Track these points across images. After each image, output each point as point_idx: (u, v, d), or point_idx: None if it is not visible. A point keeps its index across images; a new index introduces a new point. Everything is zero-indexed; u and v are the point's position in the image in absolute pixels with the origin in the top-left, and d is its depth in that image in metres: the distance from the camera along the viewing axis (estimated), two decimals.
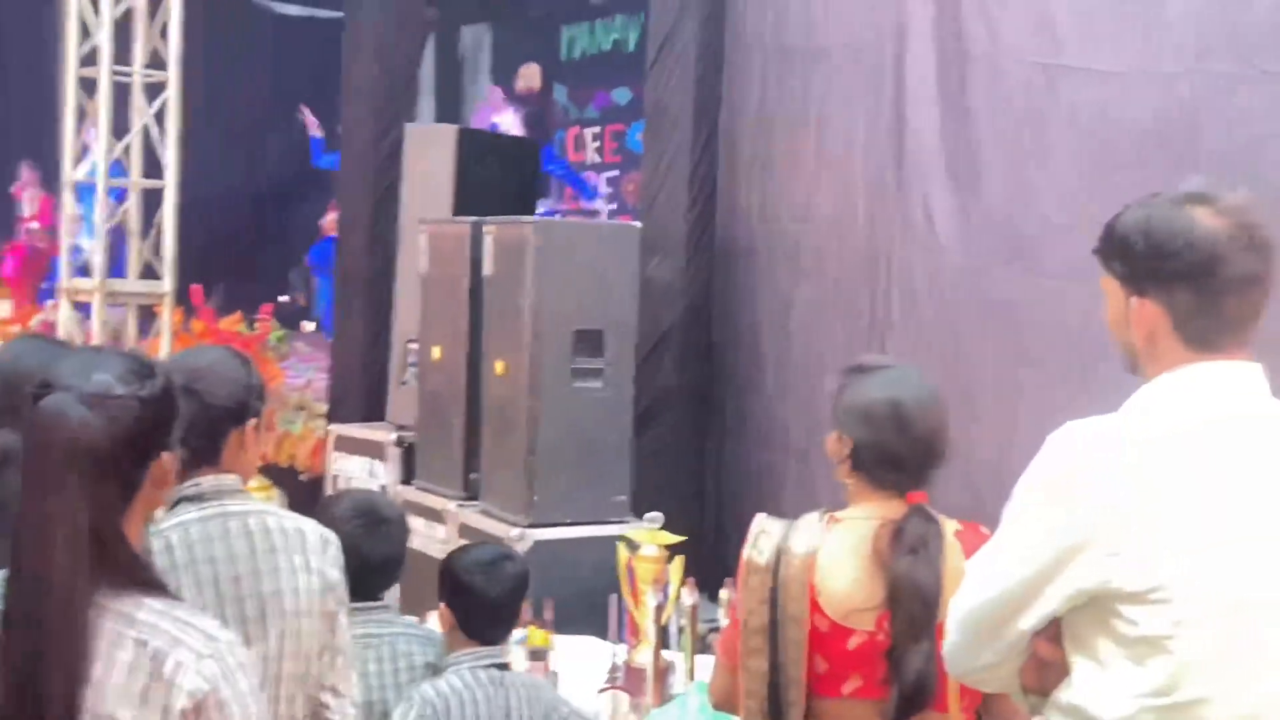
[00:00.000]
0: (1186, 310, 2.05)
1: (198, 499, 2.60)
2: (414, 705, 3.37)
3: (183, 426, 2.48)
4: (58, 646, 1.80)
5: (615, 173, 12.23)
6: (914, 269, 5.74)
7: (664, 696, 4.63)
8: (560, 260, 6.04)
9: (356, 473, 7.51)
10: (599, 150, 12.39)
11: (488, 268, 6.40)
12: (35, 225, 12.25)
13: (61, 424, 1.85)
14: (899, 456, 2.76)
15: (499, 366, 6.26)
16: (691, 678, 4.64)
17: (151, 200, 7.59)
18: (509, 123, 11.32)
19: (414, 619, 4.13)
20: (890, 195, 5.88)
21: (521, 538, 5.78)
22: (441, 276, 6.81)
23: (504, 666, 3.61)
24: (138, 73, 7.22)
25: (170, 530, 2.56)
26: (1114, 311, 2.16)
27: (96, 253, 7.14)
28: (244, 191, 13.96)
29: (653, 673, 4.69)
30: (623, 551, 4.97)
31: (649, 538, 4.86)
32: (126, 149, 7.28)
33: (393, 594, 5.90)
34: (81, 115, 7.22)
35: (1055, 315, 5.10)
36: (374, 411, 8.13)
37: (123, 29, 7.25)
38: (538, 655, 4.73)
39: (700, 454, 7.07)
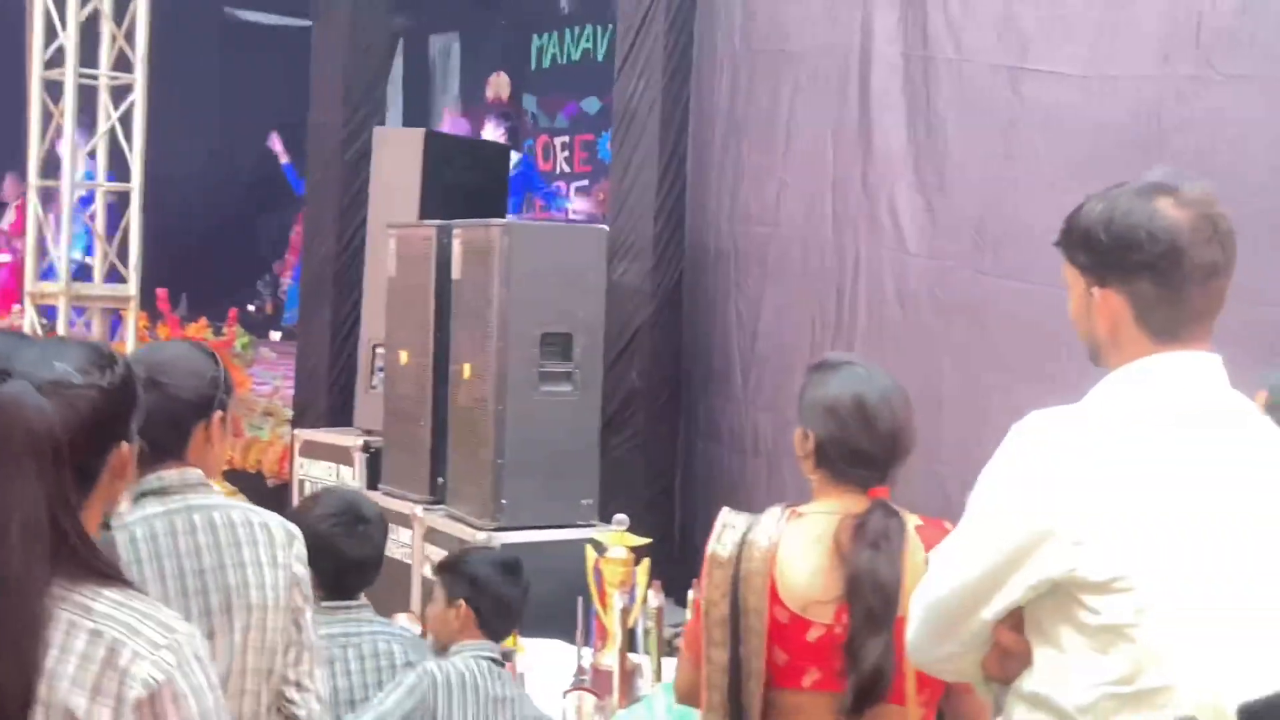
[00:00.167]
0: (1149, 301, 2.06)
1: (161, 493, 2.58)
2: (419, 675, 3.52)
3: (147, 420, 2.47)
4: (12, 636, 1.78)
5: (585, 182, 12.24)
6: (881, 270, 5.77)
7: (631, 698, 4.63)
8: (528, 262, 6.04)
9: (323, 478, 7.48)
10: (569, 160, 12.39)
11: (456, 271, 6.39)
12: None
13: (19, 412, 1.83)
14: (863, 452, 2.76)
15: (466, 370, 6.25)
16: (658, 679, 4.64)
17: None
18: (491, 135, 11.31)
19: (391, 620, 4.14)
20: (857, 197, 5.91)
21: (489, 541, 5.76)
22: (409, 280, 6.80)
23: (499, 661, 3.82)
24: (104, 75, 7.18)
25: (134, 524, 2.54)
26: (1076, 302, 2.16)
27: (61, 256, 7.09)
28: (212, 199, 13.91)
29: (619, 674, 4.69)
30: (590, 554, 4.96)
31: (616, 540, 4.86)
32: (92, 152, 7.22)
33: None
34: (47, 118, 7.17)
35: (1022, 316, 5.13)
36: (341, 417, 8.11)
37: (89, 31, 7.21)
38: (505, 658, 4.72)
39: (669, 457, 7.07)
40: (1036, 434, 2.07)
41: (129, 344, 7.09)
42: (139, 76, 7.15)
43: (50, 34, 7.12)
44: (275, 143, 12.30)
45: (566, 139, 12.41)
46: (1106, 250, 2.07)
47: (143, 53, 7.15)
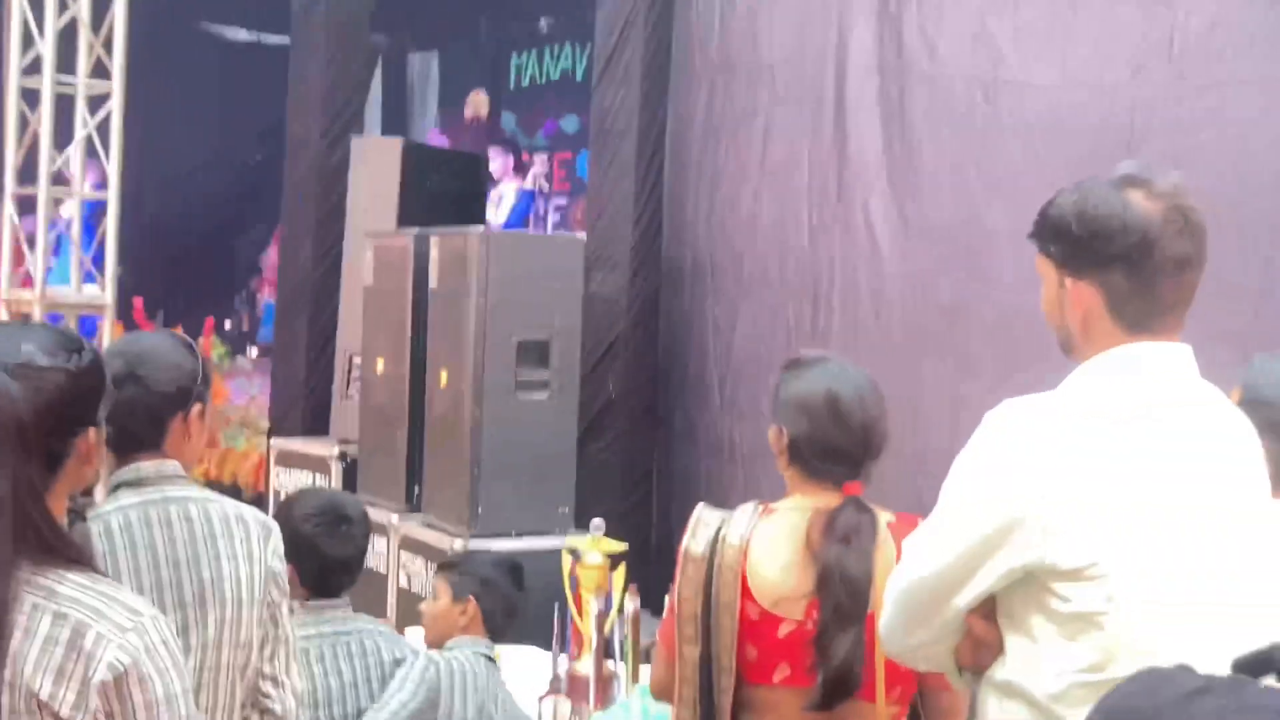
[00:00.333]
0: (1121, 292, 2.07)
1: (137, 484, 2.57)
2: (426, 663, 3.62)
3: (124, 412, 2.47)
4: None
5: (564, 200, 12.25)
6: (856, 279, 5.80)
7: (607, 704, 4.62)
8: (505, 271, 6.06)
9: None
10: (548, 177, 12.40)
11: (433, 280, 6.39)
12: None
13: None
14: (836, 448, 2.76)
15: (443, 377, 6.25)
16: (635, 683, 4.63)
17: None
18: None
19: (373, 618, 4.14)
20: (832, 206, 5.94)
21: (464, 549, 5.76)
22: (386, 289, 6.81)
23: (493, 660, 3.94)
24: (81, 83, 7.17)
25: (109, 514, 2.52)
26: (1049, 294, 2.17)
27: (37, 263, 7.07)
28: (189, 215, 13.89)
29: (595, 679, 4.68)
30: (566, 559, 4.96)
31: (592, 545, 4.86)
32: (69, 159, 7.21)
33: None
34: (24, 126, 7.15)
35: (996, 323, 5.16)
36: (318, 427, 8.09)
37: (66, 39, 7.20)
38: None
39: (646, 465, 7.08)
40: (1009, 422, 2.08)
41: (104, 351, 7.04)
42: (116, 84, 7.14)
43: (27, 41, 7.10)
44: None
45: (545, 157, 12.43)
46: (1079, 241, 2.09)
47: (120, 60, 7.14)
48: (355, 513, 3.67)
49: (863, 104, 5.83)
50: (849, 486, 2.77)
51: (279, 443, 7.92)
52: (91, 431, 1.97)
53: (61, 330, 2.06)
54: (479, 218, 7.84)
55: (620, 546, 4.91)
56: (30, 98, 7.14)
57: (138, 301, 10.03)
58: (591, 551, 4.84)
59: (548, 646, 4.98)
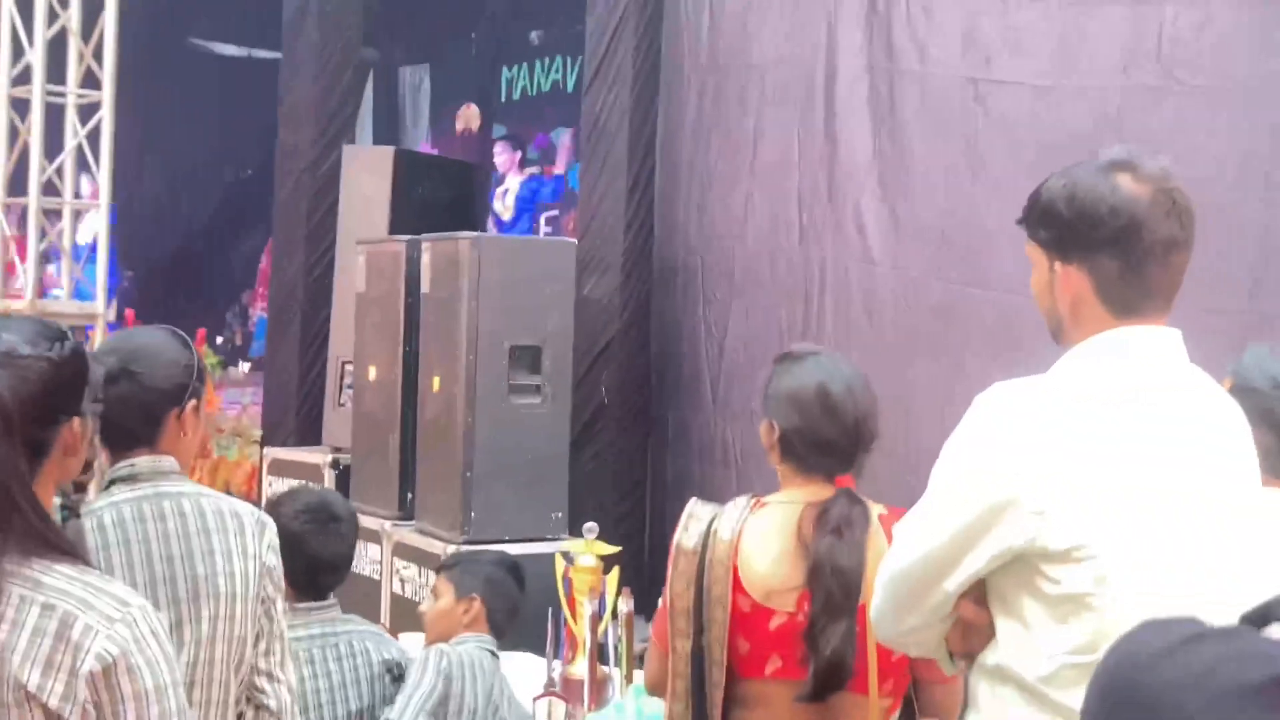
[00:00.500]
0: (1110, 276, 2.07)
1: (132, 479, 2.56)
2: (437, 654, 3.67)
3: (119, 408, 2.47)
4: None
5: (555, 212, 12.25)
6: (848, 280, 5.81)
7: (601, 705, 4.61)
8: (497, 276, 6.05)
9: None
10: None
11: (425, 285, 6.39)
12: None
13: None
14: (827, 441, 2.77)
15: (435, 383, 6.25)
16: (629, 683, 4.63)
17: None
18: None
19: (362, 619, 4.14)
20: (823, 208, 5.95)
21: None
22: (378, 295, 6.80)
23: (496, 655, 4.00)
24: (72, 92, 7.17)
25: (103, 510, 2.52)
26: (1038, 279, 2.18)
27: (29, 272, 7.06)
28: (181, 228, 13.89)
29: (589, 681, 4.68)
30: (560, 563, 4.96)
31: (585, 548, 4.86)
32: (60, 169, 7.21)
33: None
34: (14, 136, 7.15)
35: (988, 323, 5.17)
36: (311, 435, 8.09)
37: (56, 49, 7.20)
38: None
39: (639, 470, 7.08)
40: (998, 405, 2.09)
41: None
42: (107, 94, 7.14)
43: (17, 51, 7.10)
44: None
45: (537, 170, 12.45)
46: (1068, 225, 2.09)
47: (110, 70, 7.14)
48: (344, 511, 3.67)
49: (853, 105, 5.84)
50: (840, 479, 2.78)
51: (272, 451, 7.91)
52: (76, 421, 1.96)
53: (42, 321, 2.06)
54: (471, 225, 7.83)
55: (613, 549, 4.91)
56: (20, 107, 7.14)
57: (130, 314, 10.03)
58: (585, 554, 4.84)
59: (542, 652, 4.97)
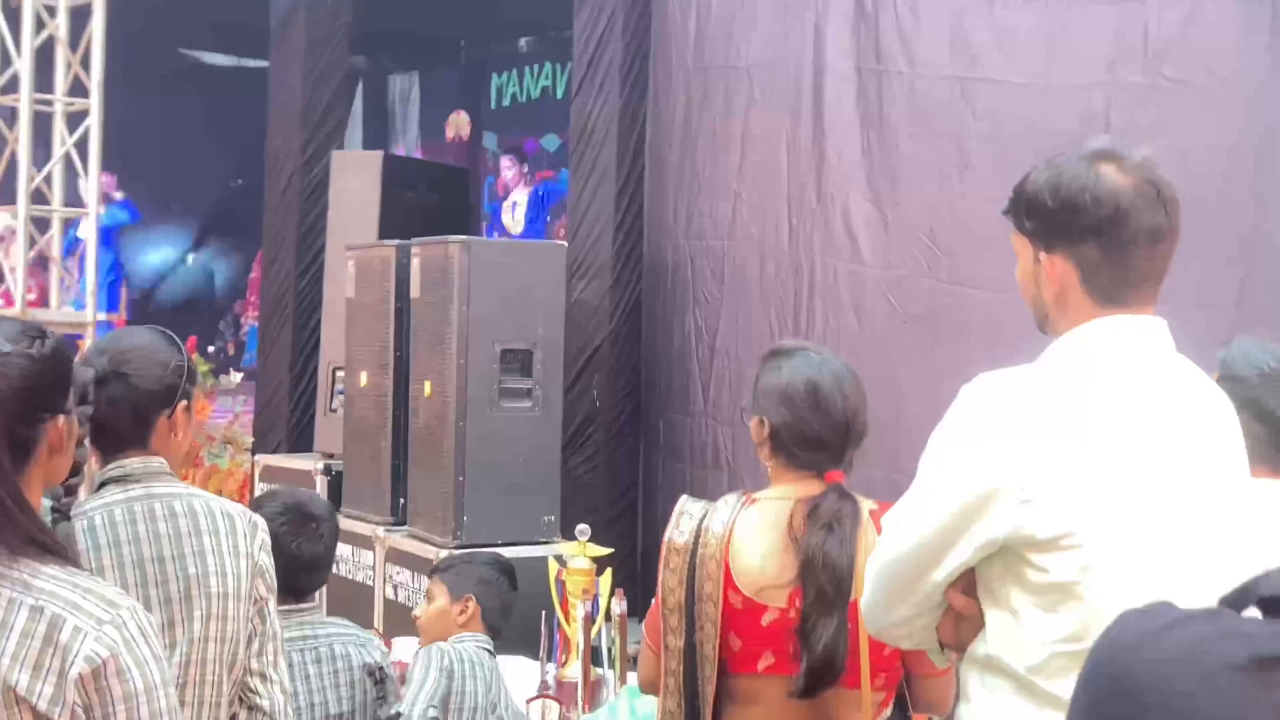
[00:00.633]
0: (1095, 265, 2.08)
1: (122, 480, 2.55)
2: (438, 653, 3.74)
3: (110, 410, 2.46)
4: None
5: (546, 218, 12.28)
6: (837, 281, 5.82)
7: (595, 707, 4.62)
8: (487, 279, 6.05)
9: None
10: (496, 167, 12.47)
11: (415, 290, 6.39)
12: None
13: None
14: (817, 436, 2.77)
15: (426, 388, 6.25)
16: (623, 683, 4.64)
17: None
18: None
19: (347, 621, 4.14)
20: (811, 210, 5.96)
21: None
22: (368, 301, 6.80)
23: (493, 654, 4.04)
24: (59, 100, 7.17)
25: (94, 511, 2.51)
26: (1024, 269, 2.18)
27: (17, 282, 7.06)
28: (173, 238, 13.90)
29: (583, 683, 4.68)
30: (553, 565, 4.96)
31: (578, 550, 4.87)
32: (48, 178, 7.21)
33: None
34: (1, 143, 7.15)
35: (977, 323, 5.17)
36: (302, 442, 8.09)
37: (44, 57, 7.20)
38: None
39: (631, 474, 7.08)
40: (984, 395, 2.09)
41: None
42: (95, 102, 7.14)
43: (4, 60, 7.10)
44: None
45: (548, 173, 12.48)
46: (1053, 215, 2.10)
47: (98, 77, 7.14)
48: (322, 512, 3.66)
49: (840, 106, 5.85)
50: (831, 475, 2.77)
51: (263, 459, 7.90)
52: (61, 420, 1.95)
53: (22, 320, 2.05)
54: (461, 229, 7.84)
55: (606, 550, 4.92)
56: (7, 115, 7.13)
57: (120, 324, 10.02)
58: (578, 556, 4.85)
59: (535, 656, 4.98)
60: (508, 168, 11.37)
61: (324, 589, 6.73)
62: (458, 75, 13.18)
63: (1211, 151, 4.72)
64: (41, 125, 7.22)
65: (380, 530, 6.51)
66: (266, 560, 2.65)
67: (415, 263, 6.37)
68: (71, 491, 2.53)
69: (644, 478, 7.04)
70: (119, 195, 12.80)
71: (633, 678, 4.53)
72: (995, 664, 2.06)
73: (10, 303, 7.26)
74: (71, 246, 9.86)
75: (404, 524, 6.49)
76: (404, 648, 5.04)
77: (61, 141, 7.19)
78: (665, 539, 2.81)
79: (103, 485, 2.56)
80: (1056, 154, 2.19)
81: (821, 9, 5.98)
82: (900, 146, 5.62)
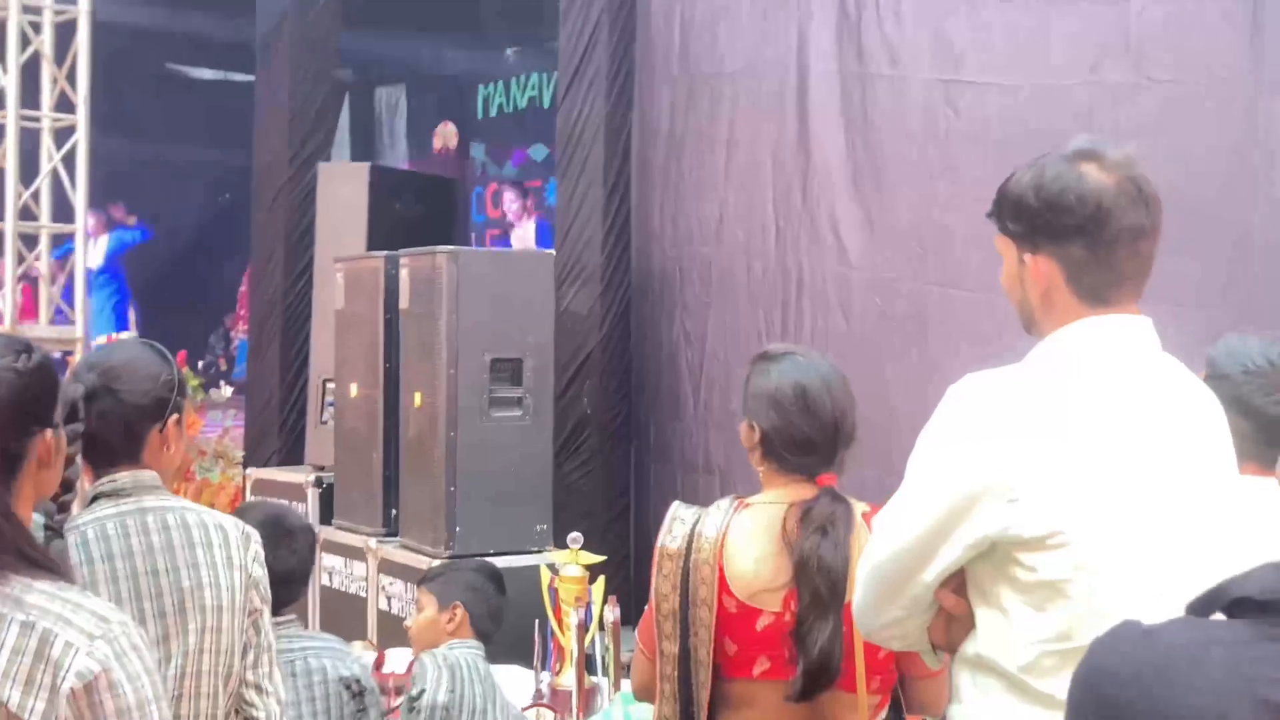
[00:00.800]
0: (1079, 264, 2.08)
1: (114, 494, 2.55)
2: (439, 658, 3.81)
3: (100, 425, 2.46)
4: None
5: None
6: (825, 284, 5.83)
7: (589, 714, 4.62)
8: (475, 289, 6.06)
9: None
10: (499, 201, 12.44)
11: (404, 300, 6.39)
12: None
13: None
14: (807, 439, 2.77)
15: (417, 398, 6.25)
16: (617, 690, 4.64)
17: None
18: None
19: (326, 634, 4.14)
20: (798, 213, 5.97)
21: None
22: (357, 312, 6.80)
23: (486, 659, 4.07)
24: (46, 116, 7.16)
25: (86, 525, 2.51)
26: (1009, 271, 2.19)
27: (5, 298, 7.05)
28: (160, 253, 13.88)
29: (577, 691, 4.68)
30: (545, 573, 4.96)
31: (570, 558, 4.87)
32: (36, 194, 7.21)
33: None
34: None
35: (965, 323, 5.18)
36: (293, 455, 8.08)
37: (30, 74, 7.20)
38: None
39: (623, 481, 7.08)
40: (970, 396, 2.09)
41: None
42: (81, 117, 7.14)
43: None
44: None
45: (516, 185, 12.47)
46: (1037, 215, 2.11)
47: (84, 93, 7.14)
48: (297, 526, 3.66)
49: (825, 109, 5.86)
50: (823, 478, 2.78)
51: (255, 472, 7.89)
52: (49, 434, 1.95)
53: (7, 334, 2.05)
54: (449, 239, 7.84)
55: (598, 558, 4.92)
56: None
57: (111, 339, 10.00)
58: (570, 564, 4.85)
59: (529, 664, 4.98)
60: (511, 201, 11.38)
61: (316, 601, 6.79)
62: (444, 86, 13.18)
63: (1195, 150, 4.73)
64: (28, 142, 7.22)
65: (372, 541, 6.51)
66: (260, 572, 2.65)
67: (404, 273, 6.38)
68: (64, 509, 2.53)
69: (636, 483, 7.05)
70: (131, 220, 12.80)
71: (627, 685, 4.54)
72: (986, 663, 2.07)
73: None
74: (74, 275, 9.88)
75: (396, 535, 6.49)
76: (398, 659, 5.04)
77: (49, 158, 7.19)
78: (658, 545, 2.82)
79: (95, 499, 2.56)
80: (1040, 154, 2.20)
81: (804, 13, 5.99)
82: (885, 148, 5.64)
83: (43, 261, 7.41)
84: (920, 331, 5.42)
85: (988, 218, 2.23)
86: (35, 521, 2.26)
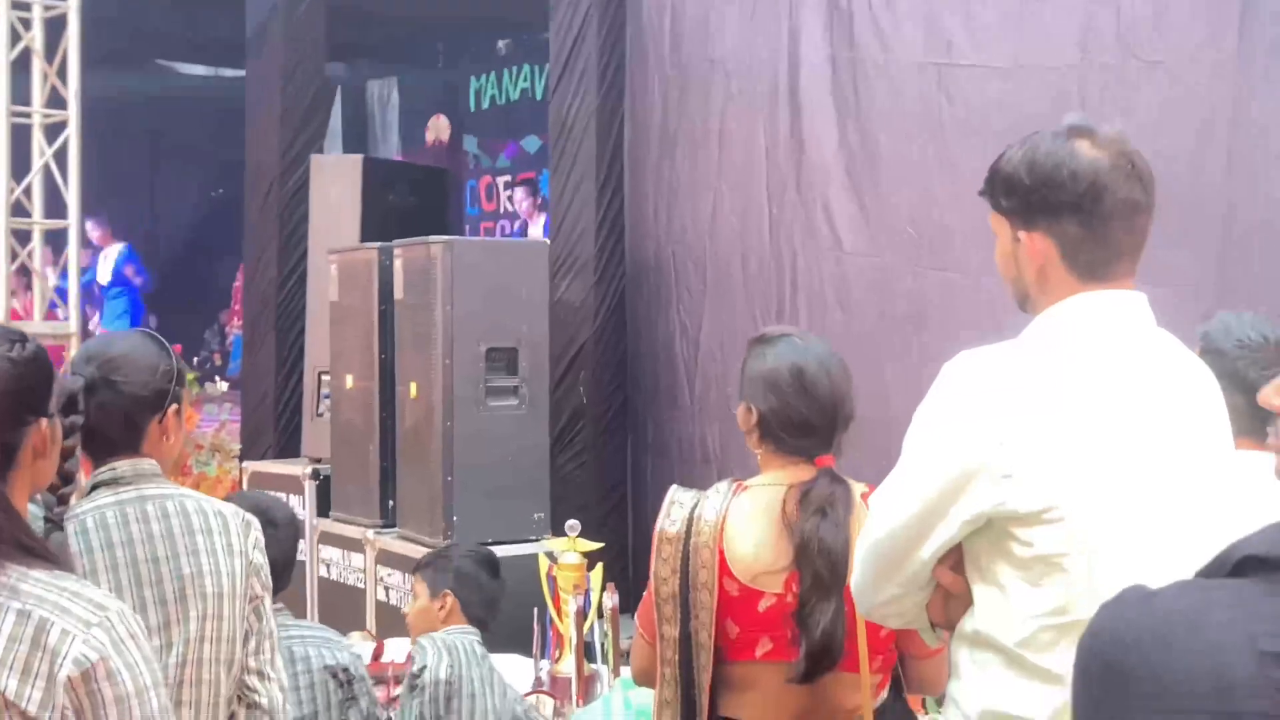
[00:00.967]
0: (1074, 240, 2.09)
1: (114, 483, 2.55)
2: (438, 641, 3.81)
3: (100, 417, 2.46)
4: None
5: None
6: (820, 273, 5.84)
7: (589, 701, 4.63)
8: (470, 278, 6.06)
9: None
10: (510, 199, 12.43)
11: (398, 291, 6.39)
12: None
13: None
14: (805, 421, 2.77)
15: (413, 389, 6.25)
16: (616, 676, 4.65)
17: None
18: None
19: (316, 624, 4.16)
20: (792, 202, 5.98)
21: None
22: (352, 304, 6.80)
23: (482, 644, 4.03)
24: (37, 112, 7.16)
25: (85, 514, 2.51)
26: (1003, 249, 2.19)
27: None
28: (156, 250, 13.87)
29: (577, 677, 4.69)
30: (543, 561, 4.97)
31: (568, 545, 4.88)
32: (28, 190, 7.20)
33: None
34: None
35: (961, 309, 5.19)
36: (290, 448, 8.08)
37: (21, 70, 7.19)
38: None
39: (619, 472, 7.09)
40: (964, 372, 2.10)
41: None
42: (72, 112, 7.13)
43: None
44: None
45: (509, 178, 12.46)
46: (1030, 192, 2.11)
47: (75, 88, 7.13)
48: (280, 517, 3.68)
49: (817, 97, 5.87)
50: (821, 459, 2.77)
51: (251, 465, 7.89)
52: (44, 423, 1.96)
53: (4, 325, 2.05)
54: (443, 229, 7.85)
55: (596, 545, 4.93)
56: None
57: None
58: (568, 552, 4.86)
59: (528, 653, 4.99)
60: (521, 200, 11.39)
61: (315, 593, 6.79)
62: (436, 79, 13.17)
63: (1185, 130, 4.75)
64: (20, 138, 7.21)
65: (370, 533, 6.52)
66: (261, 559, 2.65)
67: (398, 264, 6.38)
68: (64, 501, 2.53)
69: (632, 474, 7.06)
70: (137, 280, 12.79)
71: (626, 671, 4.55)
72: (984, 639, 2.07)
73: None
74: (88, 286, 9.94)
75: (393, 526, 6.49)
76: (397, 648, 5.05)
77: (40, 153, 7.18)
78: (656, 528, 2.81)
79: (94, 488, 2.56)
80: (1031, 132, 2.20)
81: (795, 1, 6.00)
82: (877, 135, 5.64)
83: (35, 257, 7.40)
84: (917, 317, 5.43)
85: (980, 196, 2.23)
86: (34, 514, 2.26)
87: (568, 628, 4.79)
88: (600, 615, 4.89)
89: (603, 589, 4.88)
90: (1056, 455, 2.00)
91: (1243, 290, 4.46)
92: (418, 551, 6.03)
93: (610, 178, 7.06)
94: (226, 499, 3.97)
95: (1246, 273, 4.59)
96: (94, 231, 12.52)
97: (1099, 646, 1.17)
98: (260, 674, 2.63)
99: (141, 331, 2.74)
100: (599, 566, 4.90)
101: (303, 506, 7.14)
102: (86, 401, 2.47)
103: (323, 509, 7.03)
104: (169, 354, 2.67)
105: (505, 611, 4.98)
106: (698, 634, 2.71)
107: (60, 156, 7.21)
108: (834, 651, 2.64)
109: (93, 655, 1.79)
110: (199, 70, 13.62)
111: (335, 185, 7.59)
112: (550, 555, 4.98)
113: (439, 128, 13.03)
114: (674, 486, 2.90)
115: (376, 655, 5.10)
